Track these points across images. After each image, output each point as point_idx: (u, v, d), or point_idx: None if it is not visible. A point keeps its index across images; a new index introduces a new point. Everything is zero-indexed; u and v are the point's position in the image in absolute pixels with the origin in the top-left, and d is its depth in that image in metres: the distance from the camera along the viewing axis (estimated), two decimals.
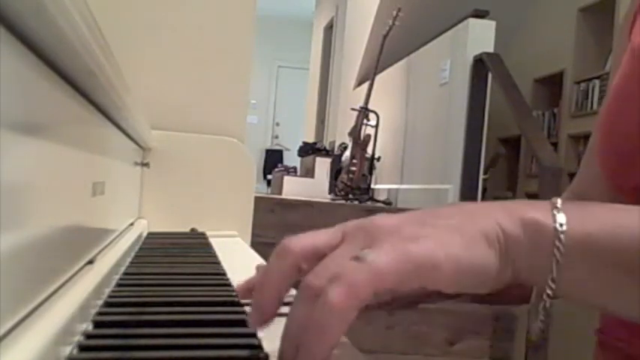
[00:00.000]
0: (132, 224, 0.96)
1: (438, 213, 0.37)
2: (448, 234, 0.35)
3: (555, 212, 0.37)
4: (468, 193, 3.80)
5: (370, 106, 4.66)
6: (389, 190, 4.94)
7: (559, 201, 0.37)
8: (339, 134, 6.26)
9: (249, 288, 0.45)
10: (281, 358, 0.33)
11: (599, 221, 0.37)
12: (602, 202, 0.40)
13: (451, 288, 0.35)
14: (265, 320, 0.36)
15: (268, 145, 9.93)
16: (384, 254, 0.33)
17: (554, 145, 4.34)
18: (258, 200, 1.26)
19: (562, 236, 0.36)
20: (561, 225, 0.36)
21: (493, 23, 3.97)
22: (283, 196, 4.39)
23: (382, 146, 4.90)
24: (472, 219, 0.36)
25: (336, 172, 4.83)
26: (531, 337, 0.39)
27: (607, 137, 0.58)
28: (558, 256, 0.36)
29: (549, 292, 0.36)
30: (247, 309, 0.46)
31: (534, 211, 0.37)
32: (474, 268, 0.35)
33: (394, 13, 4.56)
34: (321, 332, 0.31)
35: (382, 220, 0.37)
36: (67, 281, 0.43)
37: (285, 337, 0.33)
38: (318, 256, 0.35)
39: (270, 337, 0.37)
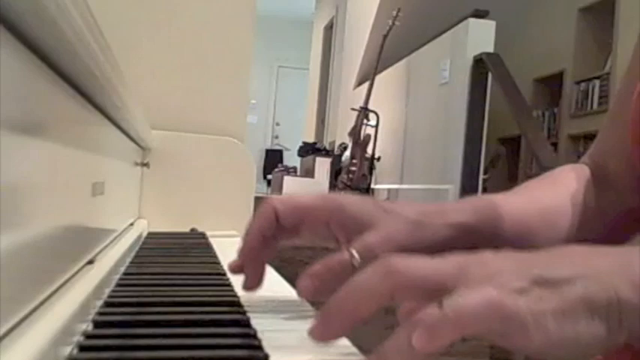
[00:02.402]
0: (132, 224, 0.97)
1: (546, 263, 0.34)
2: (545, 297, 0.32)
3: None
4: (468, 193, 3.80)
5: (370, 106, 4.66)
6: (389, 190, 4.94)
7: None
8: (339, 134, 6.26)
9: (239, 264, 0.49)
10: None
11: None
12: None
13: (543, 355, 0.33)
14: (334, 336, 0.35)
15: (268, 145, 9.93)
16: (473, 299, 0.31)
17: (554, 145, 4.34)
18: (258, 200, 1.26)
19: None
20: None
21: (493, 23, 3.97)
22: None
23: (382, 146, 4.90)
24: (581, 278, 0.33)
25: (336, 172, 4.83)
26: None
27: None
28: None
29: None
30: (249, 311, 0.46)
31: None
32: (565, 344, 0.32)
33: (394, 13, 4.56)
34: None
35: (480, 261, 0.34)
36: (67, 281, 0.43)
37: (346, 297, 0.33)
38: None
39: (271, 337, 0.37)
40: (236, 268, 0.50)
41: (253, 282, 0.50)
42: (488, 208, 0.52)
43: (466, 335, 0.31)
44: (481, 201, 0.53)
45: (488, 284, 0.32)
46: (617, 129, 0.59)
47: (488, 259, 0.34)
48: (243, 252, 0.50)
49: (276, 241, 0.51)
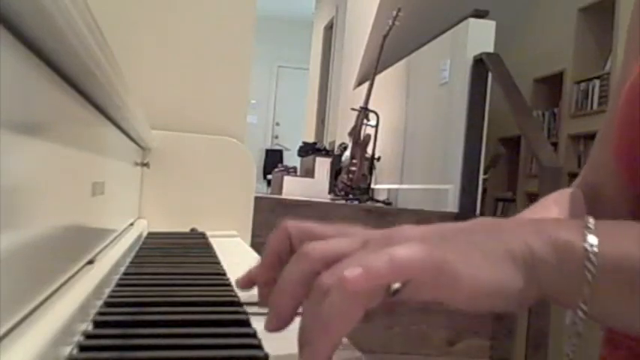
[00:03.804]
0: (132, 224, 0.96)
1: (462, 228, 0.37)
2: (470, 250, 0.35)
3: (587, 232, 0.36)
4: (467, 193, 3.80)
5: (370, 106, 4.66)
6: (389, 190, 4.94)
7: (591, 221, 0.37)
8: (339, 134, 6.26)
9: (251, 279, 0.48)
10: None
11: (631, 242, 0.36)
12: (635, 222, 0.39)
13: (468, 305, 0.35)
14: (281, 325, 0.36)
15: (268, 145, 9.92)
16: (407, 248, 0.33)
17: (554, 145, 4.34)
18: (258, 200, 1.26)
19: (593, 257, 0.35)
20: (592, 246, 0.36)
21: (493, 23, 3.97)
22: (283, 196, 4.39)
23: (382, 146, 4.89)
24: (499, 236, 0.36)
25: (336, 172, 4.83)
26: (568, 357, 0.39)
27: (621, 140, 0.56)
28: (589, 278, 0.35)
29: (581, 314, 0.36)
30: (247, 309, 0.46)
31: (565, 231, 0.37)
32: (494, 287, 0.35)
33: (394, 13, 4.56)
34: (329, 319, 0.32)
35: (406, 229, 0.37)
36: (67, 281, 0.43)
37: (299, 337, 0.34)
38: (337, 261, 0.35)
39: (270, 337, 0.37)
40: (246, 285, 0.50)
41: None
42: None
43: (398, 281, 0.33)
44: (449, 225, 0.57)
45: (415, 240, 0.35)
46: (607, 149, 0.61)
47: (403, 229, 0.37)
48: (258, 270, 0.49)
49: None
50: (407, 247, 0.33)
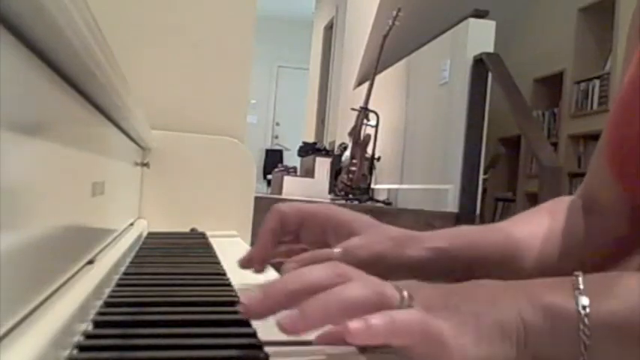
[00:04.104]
0: (132, 224, 0.96)
1: (465, 294, 0.39)
2: (465, 323, 0.36)
3: (577, 294, 0.37)
4: (467, 193, 3.80)
5: (370, 106, 4.66)
6: (389, 190, 4.94)
7: (580, 280, 0.38)
8: (339, 134, 6.26)
9: (250, 259, 0.57)
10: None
11: (622, 298, 0.37)
12: (624, 275, 0.40)
13: None
14: (264, 313, 0.38)
15: (268, 145, 9.92)
16: (410, 316, 0.35)
17: (554, 145, 4.34)
18: (258, 200, 1.26)
19: (586, 320, 0.36)
20: (584, 307, 0.37)
21: (493, 23, 3.97)
22: (283, 196, 4.39)
23: (382, 146, 4.89)
24: (494, 307, 0.38)
25: (336, 172, 4.83)
26: None
27: (614, 141, 0.57)
28: (585, 340, 0.36)
29: None
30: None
31: (556, 294, 0.38)
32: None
33: (394, 13, 4.56)
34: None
35: (425, 290, 0.39)
36: (67, 281, 0.43)
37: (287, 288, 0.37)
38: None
39: (270, 337, 0.37)
40: (246, 263, 0.58)
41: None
42: (464, 237, 0.58)
43: (391, 344, 0.35)
44: (458, 230, 0.60)
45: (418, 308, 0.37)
46: (602, 156, 0.61)
47: (418, 288, 0.39)
48: (256, 249, 0.58)
49: (279, 245, 0.59)
50: (410, 314, 0.35)
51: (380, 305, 0.36)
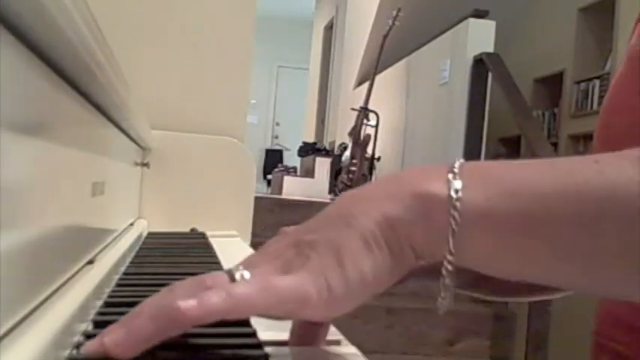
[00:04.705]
0: (132, 224, 0.96)
1: (318, 221, 0.35)
2: (323, 256, 0.33)
3: (451, 178, 0.33)
4: None
5: (370, 106, 4.66)
6: None
7: (457, 164, 0.34)
8: (339, 134, 6.26)
9: None
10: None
11: (501, 183, 0.33)
12: (510, 162, 0.35)
13: (329, 315, 0.34)
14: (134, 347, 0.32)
15: (268, 145, 9.93)
16: (248, 286, 0.32)
17: (554, 145, 4.34)
18: (258, 200, 1.26)
19: (458, 204, 0.32)
20: (457, 191, 0.33)
21: (493, 23, 3.97)
22: (283, 196, 4.40)
23: (382, 146, 4.89)
24: (351, 222, 0.33)
25: (336, 172, 4.83)
26: (439, 312, 0.35)
27: (602, 137, 0.58)
28: (454, 226, 0.32)
29: (448, 265, 0.33)
30: None
31: (429, 180, 0.34)
32: (353, 288, 0.33)
33: (394, 13, 4.56)
34: (148, 320, 0.30)
35: (268, 246, 0.36)
36: (67, 281, 0.43)
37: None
38: None
39: (270, 337, 0.37)
40: None
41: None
42: None
43: (236, 315, 0.31)
44: None
45: (265, 266, 0.33)
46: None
47: (270, 245, 0.36)
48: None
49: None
50: (249, 285, 0.32)
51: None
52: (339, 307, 0.33)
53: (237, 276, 0.32)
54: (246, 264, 0.34)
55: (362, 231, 0.33)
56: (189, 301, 0.30)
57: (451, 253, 0.33)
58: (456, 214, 0.32)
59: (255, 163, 1.28)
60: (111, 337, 0.31)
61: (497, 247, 0.33)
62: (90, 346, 0.31)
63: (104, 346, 0.31)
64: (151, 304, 0.32)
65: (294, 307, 0.32)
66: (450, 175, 0.33)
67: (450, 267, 0.33)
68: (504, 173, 0.34)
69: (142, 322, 0.31)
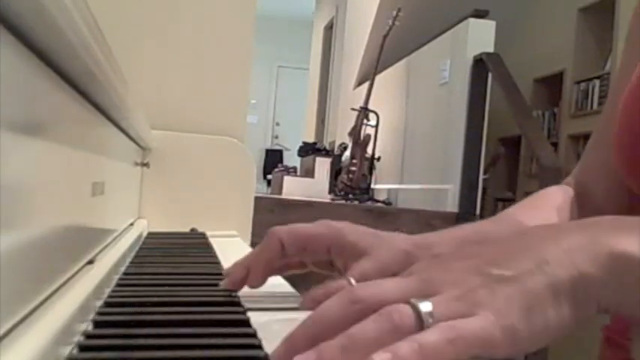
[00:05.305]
0: (132, 224, 0.97)
1: (503, 253, 0.35)
2: (507, 298, 0.32)
3: None
4: (467, 193, 3.80)
5: (370, 106, 4.66)
6: (389, 190, 4.94)
7: None
8: (339, 134, 6.26)
9: (235, 281, 0.52)
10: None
11: None
12: None
13: (510, 354, 0.33)
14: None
15: (268, 145, 9.92)
16: (436, 335, 0.31)
17: (554, 145, 4.34)
18: (258, 200, 1.26)
19: None
20: None
21: (493, 23, 3.97)
22: (283, 196, 4.39)
23: (382, 146, 4.89)
24: (543, 267, 0.33)
25: (336, 172, 4.83)
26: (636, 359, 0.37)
27: (622, 147, 0.57)
28: None
29: None
30: (250, 314, 0.46)
31: (623, 237, 0.34)
32: (536, 336, 0.33)
33: (394, 13, 4.56)
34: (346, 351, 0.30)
35: (442, 260, 0.36)
36: (67, 281, 0.43)
37: (306, 326, 0.33)
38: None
39: (270, 337, 0.37)
40: (231, 286, 0.53)
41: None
42: (474, 235, 0.55)
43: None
44: (464, 231, 0.56)
45: (453, 290, 0.33)
46: (601, 151, 0.61)
47: (448, 263, 0.35)
48: (248, 275, 0.53)
49: (279, 271, 0.56)
50: (436, 334, 0.31)
51: (397, 331, 0.31)
52: (521, 349, 0.33)
53: (424, 316, 0.32)
54: (423, 280, 0.34)
55: (554, 281, 0.33)
56: (383, 355, 0.30)
57: None
58: None
59: (255, 163, 1.28)
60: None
61: None
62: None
63: None
64: (336, 325, 0.32)
65: (481, 350, 0.32)
66: None
67: None
68: None
69: (333, 353, 0.31)
